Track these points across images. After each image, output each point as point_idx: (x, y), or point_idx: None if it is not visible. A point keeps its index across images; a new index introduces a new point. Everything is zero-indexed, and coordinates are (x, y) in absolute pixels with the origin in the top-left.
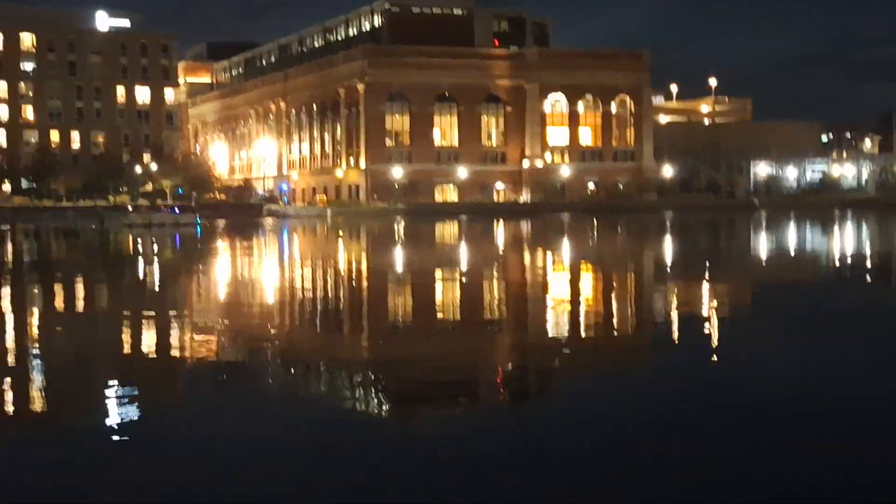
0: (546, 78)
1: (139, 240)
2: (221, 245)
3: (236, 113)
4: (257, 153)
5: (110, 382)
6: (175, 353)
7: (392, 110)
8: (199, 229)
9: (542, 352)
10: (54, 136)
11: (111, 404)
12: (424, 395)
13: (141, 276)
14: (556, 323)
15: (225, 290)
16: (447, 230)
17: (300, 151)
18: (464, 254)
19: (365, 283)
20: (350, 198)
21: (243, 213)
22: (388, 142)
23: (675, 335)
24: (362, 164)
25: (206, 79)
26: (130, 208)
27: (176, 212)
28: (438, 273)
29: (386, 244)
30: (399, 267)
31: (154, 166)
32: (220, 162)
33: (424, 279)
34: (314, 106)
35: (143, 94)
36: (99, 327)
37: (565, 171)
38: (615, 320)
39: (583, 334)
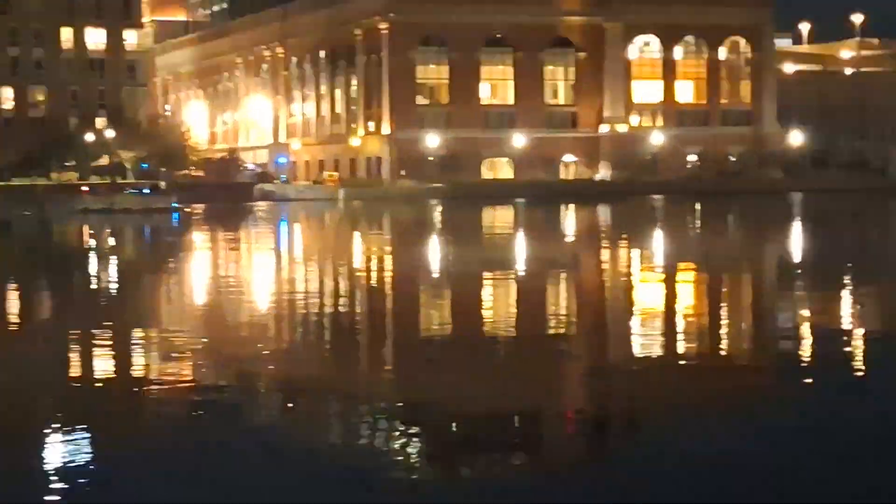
0: (632, 15)
1: (94, 233)
2: (203, 240)
3: (219, 63)
4: (246, 116)
5: (39, 427)
6: (138, 389)
7: (426, 59)
8: (176, 217)
9: (631, 391)
10: None
11: (35, 454)
12: (470, 452)
13: (93, 286)
14: (649, 353)
15: (208, 306)
16: (499, 220)
17: (303, 114)
18: (521, 254)
19: (391, 297)
20: (369, 175)
21: (228, 195)
22: (421, 100)
23: (817, 369)
24: (385, 130)
25: (179, 17)
26: (86, 189)
27: (146, 193)
28: (489, 282)
29: (417, 240)
30: (435, 273)
31: (111, 133)
32: (198, 127)
33: (470, 291)
34: (322, 53)
35: (96, 39)
36: (32, 359)
37: (657, 139)
38: (730, 350)
39: (684, 368)
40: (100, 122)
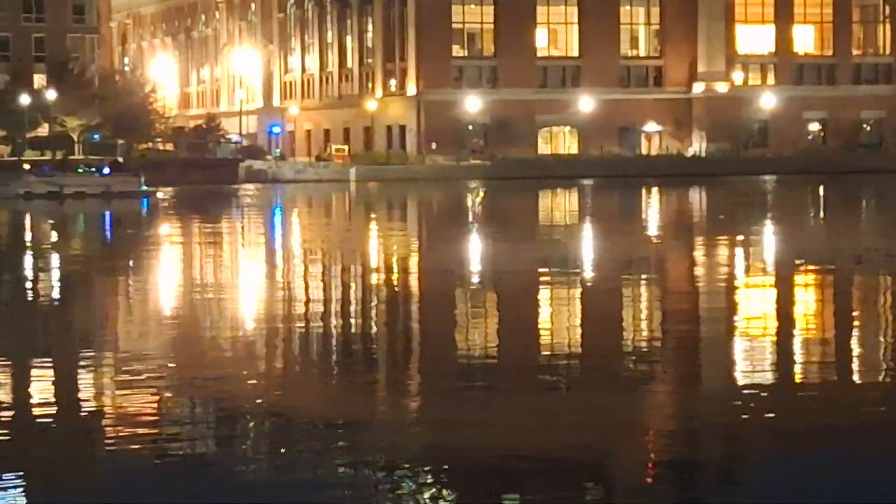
0: None
1: (38, 224)
2: (177, 233)
3: (193, 2)
4: (229, 72)
5: None
6: (80, 430)
7: None
8: (145, 203)
9: (737, 433)
10: None
11: None
12: None
13: (33, 297)
14: (757, 383)
15: (176, 323)
16: (559, 207)
17: (303, 69)
18: (588, 254)
19: (415, 310)
20: (389, 148)
21: (205, 175)
22: (457, 50)
23: None
24: (411, 91)
25: None
26: (27, 166)
27: (105, 173)
28: (546, 291)
29: (452, 235)
30: (476, 278)
31: (52, 94)
32: (167, 87)
33: (520, 302)
34: None
35: None
36: None
37: (767, 102)
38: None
39: (810, 404)
40: (38, 79)
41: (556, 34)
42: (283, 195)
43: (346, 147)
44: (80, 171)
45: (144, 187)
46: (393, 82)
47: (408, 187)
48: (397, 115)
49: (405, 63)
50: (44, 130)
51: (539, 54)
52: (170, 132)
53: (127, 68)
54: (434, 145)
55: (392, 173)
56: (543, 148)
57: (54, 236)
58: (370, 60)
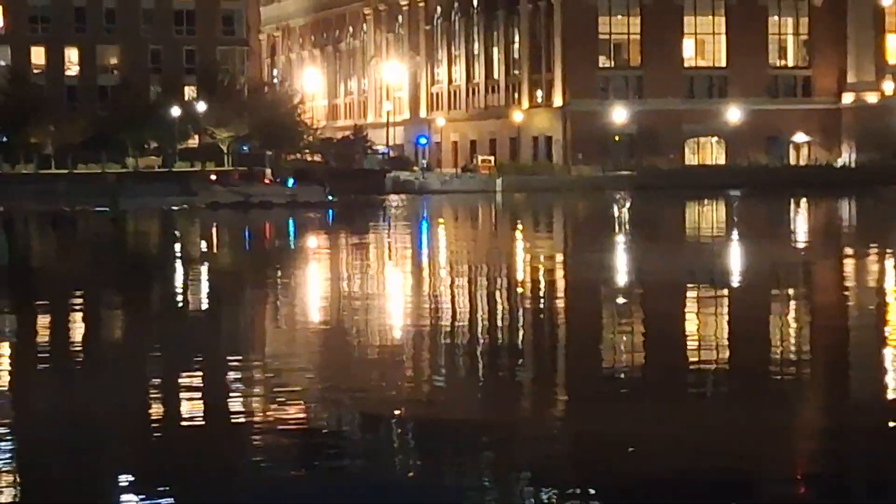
0: None
1: (229, 230)
2: (364, 241)
3: (342, 15)
4: (377, 84)
5: None
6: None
7: (611, 7)
8: (330, 214)
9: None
10: (37, 55)
11: None
12: None
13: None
14: None
15: (320, 332)
16: (707, 218)
17: (450, 80)
18: (737, 267)
19: (565, 323)
20: (535, 159)
21: (352, 185)
22: (604, 61)
23: None
24: (557, 102)
25: None
26: (213, 177)
27: (290, 185)
28: (693, 303)
29: (599, 246)
30: (624, 290)
31: (202, 106)
32: (314, 99)
33: (671, 315)
34: (475, 1)
35: None
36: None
37: None
38: None
39: None
40: (188, 91)
41: (703, 44)
42: (431, 206)
43: (492, 158)
44: (267, 181)
45: (330, 197)
46: (539, 93)
47: (554, 198)
48: (543, 126)
49: (551, 74)
50: (194, 141)
51: (686, 64)
52: (317, 143)
53: (276, 80)
54: (580, 156)
55: (538, 184)
56: (690, 158)
57: (263, 241)
58: (516, 71)
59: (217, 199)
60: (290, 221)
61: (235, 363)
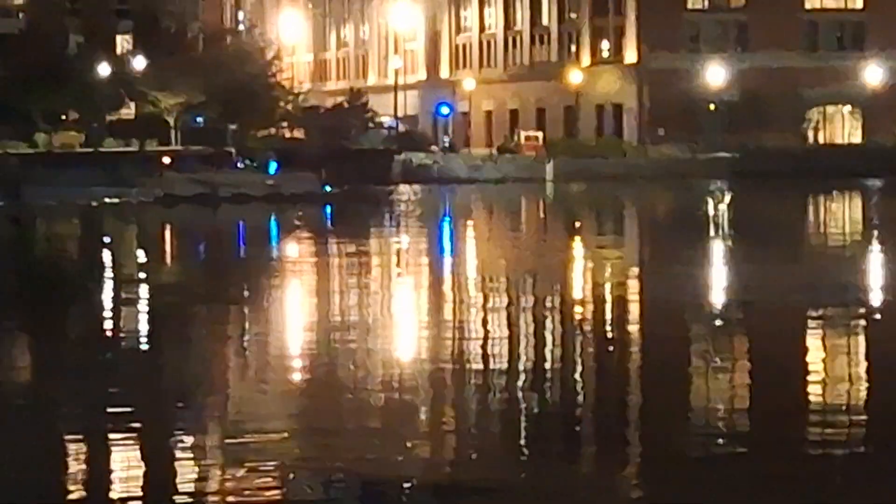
0: None
1: (177, 238)
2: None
3: None
4: (379, 31)
5: None
6: None
7: None
8: (327, 210)
9: None
10: None
11: None
12: None
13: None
14: None
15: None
16: (836, 218)
17: (481, 27)
18: (876, 283)
19: (639, 366)
20: (600, 136)
21: (348, 171)
22: (694, 1)
23: None
24: (630, 58)
25: None
26: (167, 160)
27: (271, 171)
28: (817, 331)
29: (687, 257)
30: (719, 316)
31: (140, 62)
32: (295, 53)
33: (787, 350)
34: None
35: None
36: None
37: None
38: None
39: None
40: (121, 42)
41: None
42: (455, 200)
43: (539, 134)
44: (237, 166)
45: (327, 188)
46: (605, 45)
47: (625, 189)
48: (610, 91)
49: (622, 18)
50: (129, 111)
51: (807, 5)
52: (299, 114)
53: (242, 27)
54: (661, 131)
55: (603, 169)
56: (812, 135)
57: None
58: (573, 15)
59: (172, 191)
60: (272, 222)
61: (178, 425)
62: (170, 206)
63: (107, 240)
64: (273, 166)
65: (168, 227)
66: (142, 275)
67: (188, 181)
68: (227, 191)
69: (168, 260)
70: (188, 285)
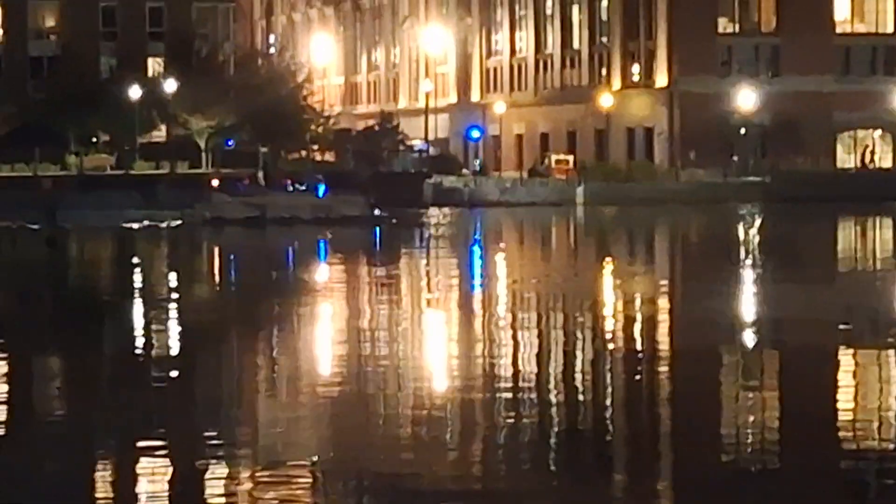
0: None
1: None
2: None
3: None
4: (410, 55)
5: None
6: None
7: None
8: (377, 232)
9: None
10: None
11: None
12: None
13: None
14: None
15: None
16: (868, 244)
17: (512, 51)
18: None
19: (672, 399)
20: (631, 159)
21: (379, 194)
22: (726, 24)
23: None
24: (661, 81)
25: None
26: (215, 182)
27: (320, 193)
28: (850, 365)
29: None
30: (754, 346)
31: (172, 85)
32: (326, 76)
33: (824, 381)
34: None
35: None
36: None
37: None
38: None
39: None
40: (153, 64)
41: (861, 3)
42: (485, 223)
43: (570, 157)
44: (287, 189)
45: (378, 212)
46: (636, 69)
47: (657, 213)
48: (642, 114)
49: (653, 42)
50: (160, 134)
51: (839, 29)
52: (330, 136)
53: (273, 50)
54: (693, 154)
55: (634, 193)
56: (844, 158)
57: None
58: (605, 39)
59: (221, 213)
60: (322, 245)
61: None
62: (218, 229)
63: (165, 263)
64: (321, 189)
65: (218, 248)
66: (205, 297)
67: (238, 203)
68: (276, 213)
69: (223, 283)
70: (247, 309)
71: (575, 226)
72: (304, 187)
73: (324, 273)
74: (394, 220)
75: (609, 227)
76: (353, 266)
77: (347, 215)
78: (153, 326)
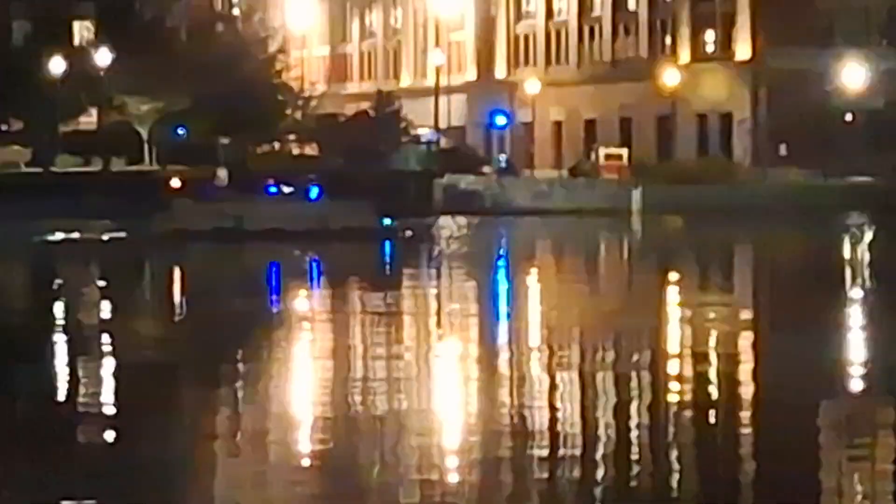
0: None
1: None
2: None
3: None
4: (416, 18)
5: None
6: None
7: None
8: (387, 248)
9: None
10: None
11: None
12: None
13: None
14: None
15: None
16: None
17: (549, 14)
18: None
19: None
20: (703, 154)
21: (374, 198)
22: None
23: None
24: (743, 53)
25: None
26: (176, 183)
27: (312, 197)
28: None
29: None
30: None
31: (105, 57)
32: (306, 45)
33: None
34: None
35: None
36: None
37: None
38: None
39: None
40: (80, 30)
41: None
42: (512, 237)
43: (624, 152)
44: (270, 193)
45: (387, 221)
46: (710, 37)
47: (736, 225)
48: (717, 97)
49: (732, 3)
50: (90, 120)
51: None
52: (311, 124)
53: (236, 11)
54: (783, 149)
55: (706, 199)
56: None
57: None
58: (659, 6)
59: (183, 225)
60: (313, 266)
61: None
62: (180, 242)
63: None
64: (314, 191)
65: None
66: (155, 336)
67: (206, 212)
68: (255, 224)
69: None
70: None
71: (630, 243)
72: (291, 190)
73: (314, 311)
74: (408, 233)
75: (674, 244)
76: (350, 298)
77: (349, 226)
78: (77, 374)
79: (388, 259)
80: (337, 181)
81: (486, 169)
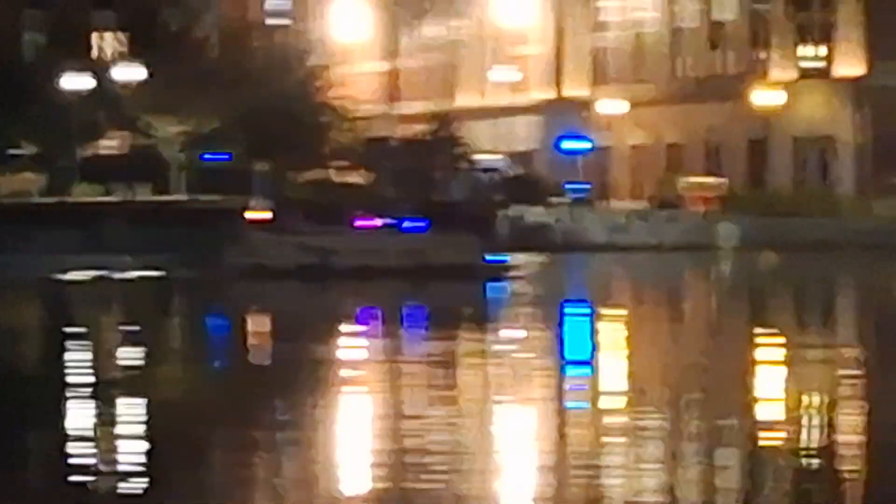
0: None
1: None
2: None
3: None
4: (480, 30)
5: None
6: None
7: None
8: (496, 290)
9: None
10: None
11: None
12: None
13: None
14: None
15: None
16: None
17: (627, 30)
18: None
19: None
20: (801, 183)
21: (430, 232)
22: None
23: None
24: (846, 69)
25: None
26: (253, 215)
27: (408, 227)
28: None
29: None
30: None
31: (127, 71)
32: (354, 60)
33: None
34: None
35: None
36: None
37: None
38: None
39: None
40: (100, 42)
41: None
42: (588, 277)
43: (713, 181)
44: (367, 226)
45: (502, 259)
46: (809, 52)
47: (838, 264)
48: (818, 118)
49: (833, 13)
50: (111, 143)
51: None
52: (360, 148)
53: (275, 21)
54: (893, 177)
55: (806, 234)
56: None
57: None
58: (765, 7)
59: (261, 259)
60: (408, 311)
61: None
62: (256, 280)
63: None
64: (420, 223)
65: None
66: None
67: (289, 245)
68: (346, 261)
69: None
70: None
71: (718, 282)
72: (382, 222)
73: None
74: (516, 272)
75: (769, 284)
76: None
77: (453, 263)
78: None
79: (499, 299)
80: (435, 211)
81: (554, 200)
